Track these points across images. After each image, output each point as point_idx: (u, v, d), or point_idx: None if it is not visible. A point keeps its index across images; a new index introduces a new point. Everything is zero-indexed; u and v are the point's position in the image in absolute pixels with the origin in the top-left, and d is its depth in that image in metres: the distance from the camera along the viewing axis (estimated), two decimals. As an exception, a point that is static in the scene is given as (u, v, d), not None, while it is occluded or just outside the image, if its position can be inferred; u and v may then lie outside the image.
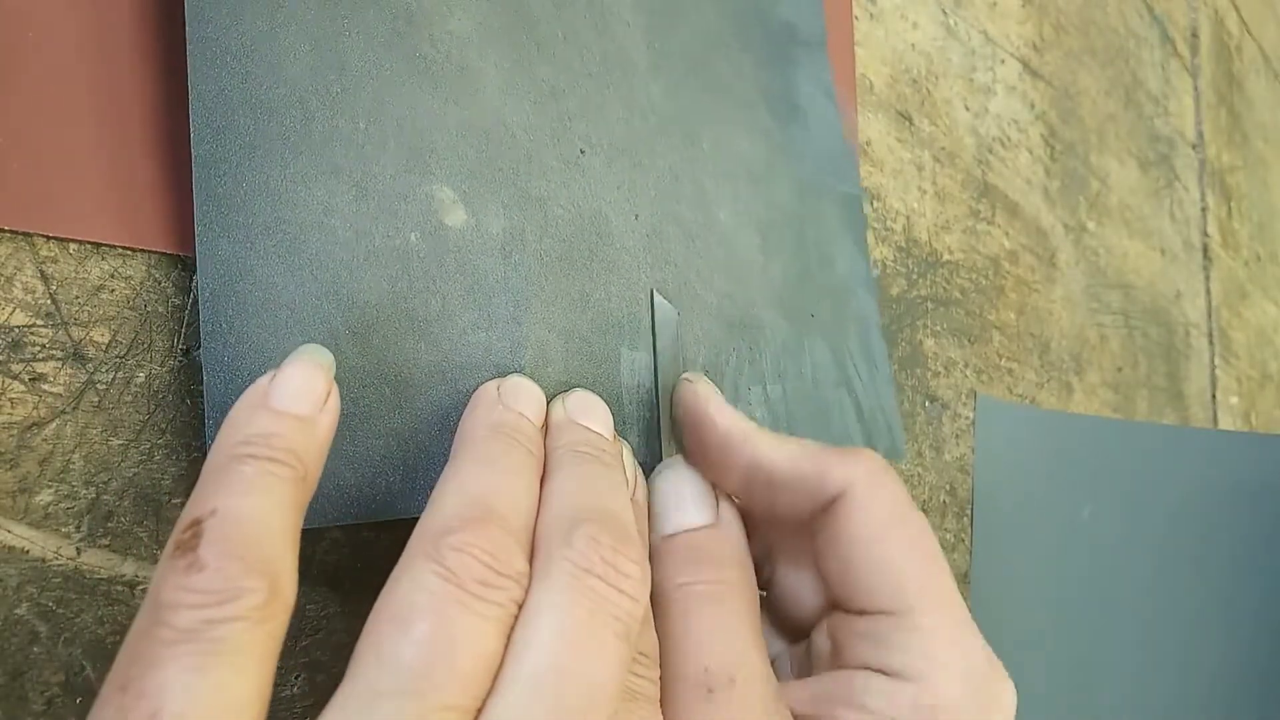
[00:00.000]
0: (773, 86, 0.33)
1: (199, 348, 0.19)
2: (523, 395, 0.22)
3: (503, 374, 0.23)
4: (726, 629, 0.21)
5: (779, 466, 0.23)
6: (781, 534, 0.25)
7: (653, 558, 0.22)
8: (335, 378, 0.19)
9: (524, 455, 0.20)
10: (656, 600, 0.22)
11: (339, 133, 0.21)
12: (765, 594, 0.25)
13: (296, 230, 0.20)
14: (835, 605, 0.23)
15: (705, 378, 0.26)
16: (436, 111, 0.22)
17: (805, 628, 0.24)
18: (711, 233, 0.29)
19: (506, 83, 0.24)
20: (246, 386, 0.17)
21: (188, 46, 0.19)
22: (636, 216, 0.27)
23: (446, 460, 0.20)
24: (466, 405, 0.22)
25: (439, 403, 0.22)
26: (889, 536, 0.22)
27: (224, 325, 0.19)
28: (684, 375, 0.26)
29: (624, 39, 0.28)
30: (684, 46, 0.30)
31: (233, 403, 0.17)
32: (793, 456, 0.23)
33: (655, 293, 0.26)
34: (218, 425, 0.17)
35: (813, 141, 0.35)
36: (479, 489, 0.18)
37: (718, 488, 0.24)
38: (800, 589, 0.24)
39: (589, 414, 0.22)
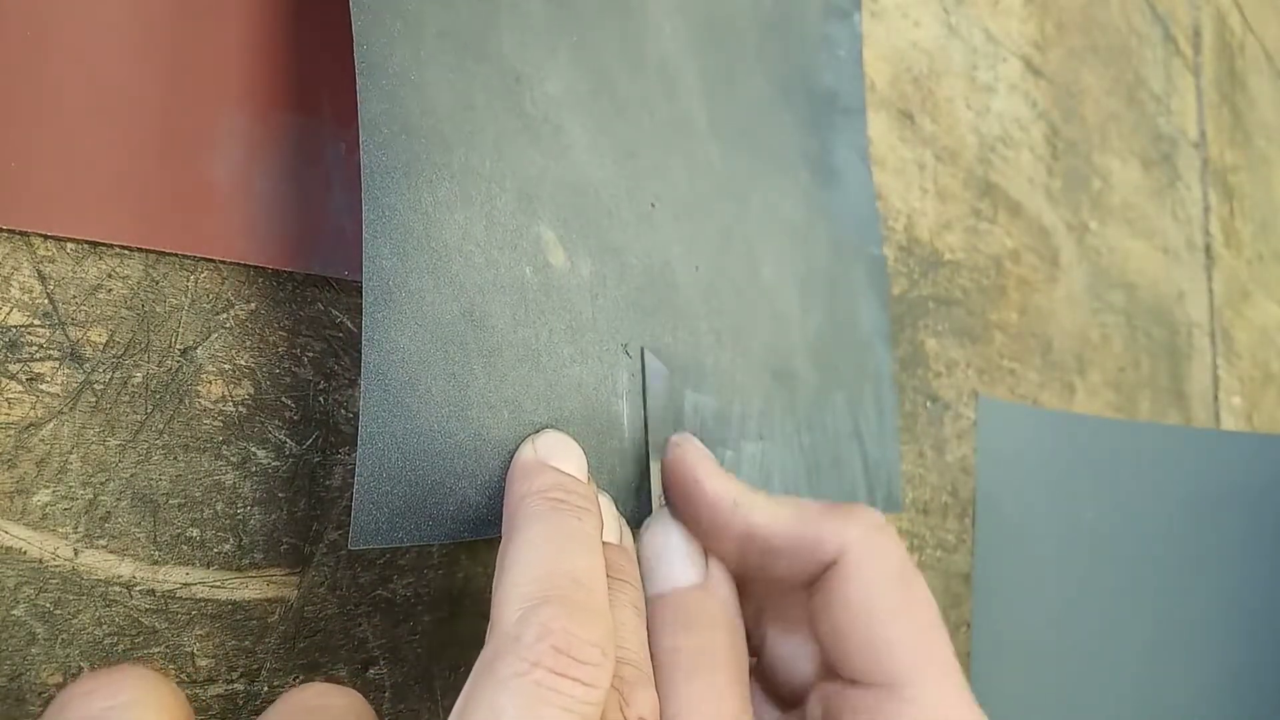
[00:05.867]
0: (814, 151, 0.36)
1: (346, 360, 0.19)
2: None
3: (593, 409, 0.24)
4: (713, 698, 0.20)
5: (773, 533, 0.22)
6: (775, 597, 0.24)
7: None
8: (467, 397, 0.20)
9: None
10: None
11: (471, 166, 0.22)
12: (756, 660, 0.24)
13: (442, 250, 0.21)
14: (829, 674, 0.22)
15: (694, 438, 0.25)
16: (539, 163, 0.24)
17: (799, 696, 0.23)
18: (757, 287, 0.31)
19: (591, 142, 0.26)
20: (393, 389, 0.19)
21: (356, 67, 0.20)
22: (697, 269, 0.29)
23: None
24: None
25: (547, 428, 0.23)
26: (884, 605, 0.21)
27: (380, 331, 0.20)
28: (671, 438, 0.25)
29: (688, 104, 0.30)
30: (738, 112, 0.32)
31: (383, 403, 0.19)
32: (786, 521, 0.22)
33: (646, 351, 0.26)
34: (371, 415, 0.19)
35: (847, 204, 0.37)
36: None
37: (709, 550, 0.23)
38: (794, 655, 0.24)
39: (561, 455, 0.22)
